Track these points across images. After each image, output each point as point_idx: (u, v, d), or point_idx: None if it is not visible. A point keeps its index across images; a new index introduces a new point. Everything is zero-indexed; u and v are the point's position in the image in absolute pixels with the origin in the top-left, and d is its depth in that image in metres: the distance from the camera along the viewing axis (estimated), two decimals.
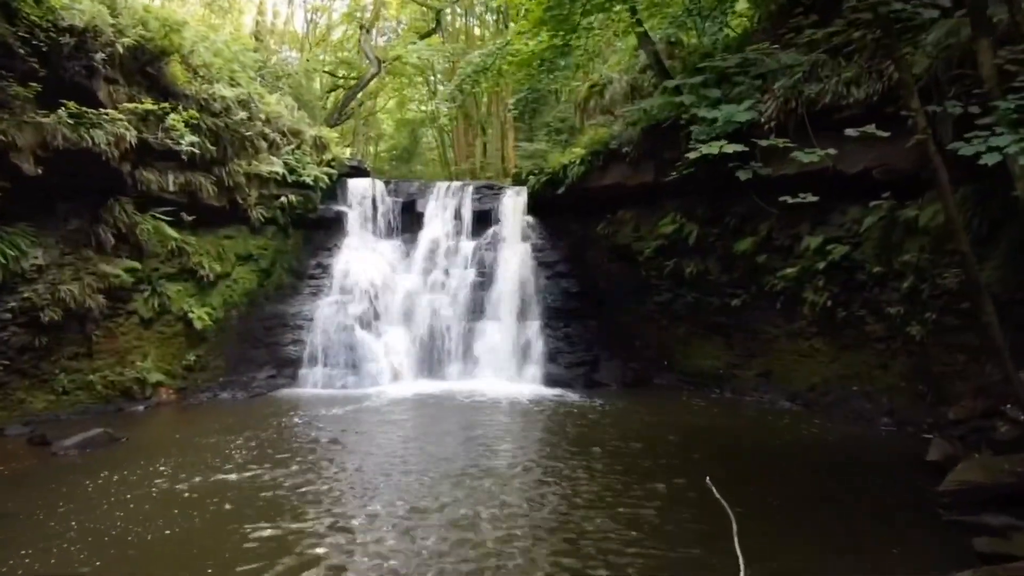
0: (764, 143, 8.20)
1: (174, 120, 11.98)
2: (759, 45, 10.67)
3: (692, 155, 8.86)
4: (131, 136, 11.48)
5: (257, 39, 25.08)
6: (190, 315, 13.87)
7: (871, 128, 7.53)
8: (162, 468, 8.59)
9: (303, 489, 7.75)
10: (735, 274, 14.06)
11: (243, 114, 14.43)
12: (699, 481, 6.98)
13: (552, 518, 6.77)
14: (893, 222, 11.18)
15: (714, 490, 4.55)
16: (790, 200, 8.20)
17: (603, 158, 15.49)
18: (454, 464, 8.76)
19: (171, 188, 13.40)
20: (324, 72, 31.07)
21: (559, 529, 6.47)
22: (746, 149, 8.40)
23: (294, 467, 8.62)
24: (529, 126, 25.69)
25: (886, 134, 7.34)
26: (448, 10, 31.86)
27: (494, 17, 31.67)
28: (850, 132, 7.45)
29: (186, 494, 7.64)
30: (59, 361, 12.04)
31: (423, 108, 38.45)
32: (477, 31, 34.19)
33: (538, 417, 11.97)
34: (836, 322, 12.24)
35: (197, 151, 13.09)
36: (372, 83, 34.42)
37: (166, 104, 11.98)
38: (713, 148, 8.21)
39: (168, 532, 6.47)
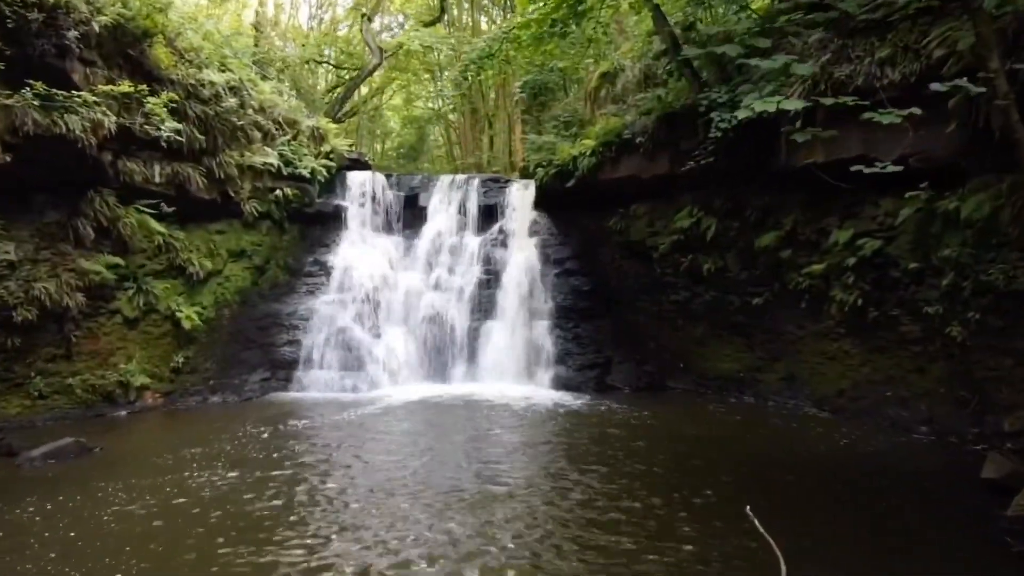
0: (828, 102, 7.32)
1: (153, 104, 11.10)
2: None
3: (741, 114, 8.12)
4: (110, 122, 10.66)
5: (257, 30, 24.34)
6: (178, 314, 13.11)
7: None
8: (129, 487, 7.66)
9: (286, 516, 6.76)
10: (756, 271, 13.25)
11: (234, 101, 13.63)
12: (733, 505, 6.13)
13: (578, 563, 5.70)
14: (931, 214, 10.31)
15: (756, 523, 3.72)
16: (866, 170, 7.28)
17: (615, 149, 14.67)
18: (461, 484, 7.82)
19: (157, 179, 12.63)
20: (327, 64, 30.20)
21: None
22: (809, 104, 7.59)
23: (278, 487, 7.69)
24: (537, 119, 24.89)
25: (980, 89, 6.37)
26: (454, 1, 31.02)
27: (500, 11, 30.92)
28: (936, 87, 6.50)
29: (149, 523, 6.60)
30: (35, 363, 11.27)
31: (430, 105, 37.79)
32: (484, 26, 33.38)
33: (549, 426, 11.12)
34: (867, 322, 11.38)
35: (182, 139, 12.28)
36: (378, 78, 33.78)
37: (144, 86, 11.07)
38: (770, 104, 7.34)
39: None
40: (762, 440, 10.18)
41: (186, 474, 8.20)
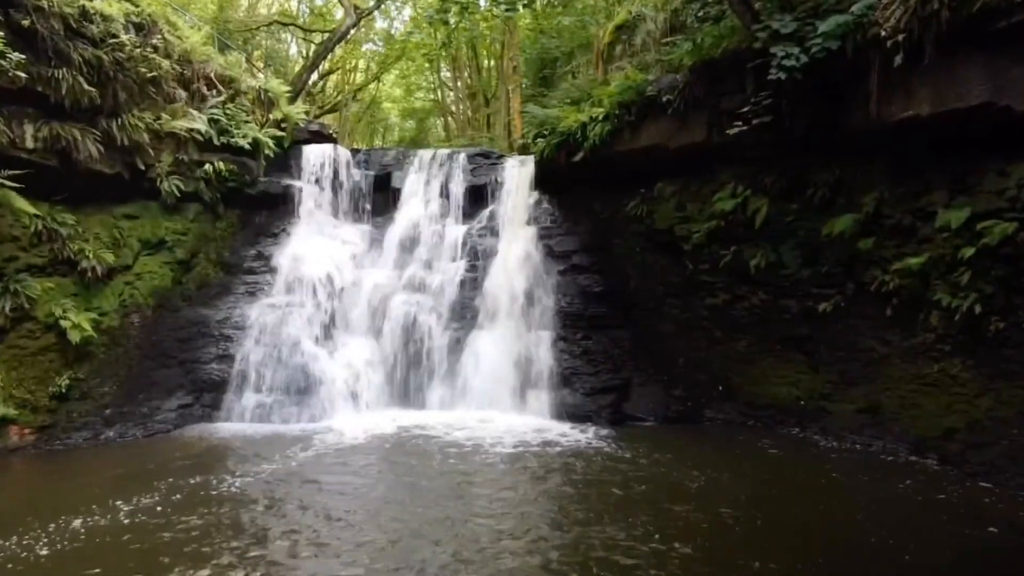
0: None
1: None
2: None
3: (825, 27, 5.02)
4: None
5: None
6: (63, 323, 10.00)
7: None
8: None
9: None
10: (823, 267, 10.26)
11: (133, 39, 10.42)
12: None
13: None
14: None
15: None
16: None
17: (636, 111, 11.62)
18: None
19: (29, 144, 9.57)
20: (294, 27, 26.95)
21: None
22: None
23: None
24: (541, 96, 21.99)
25: None
26: None
27: None
28: None
29: None
30: None
31: (431, 97, 36.04)
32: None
33: (549, 479, 7.95)
34: (987, 336, 8.36)
35: (66, 94, 9.14)
36: (375, 66, 30.96)
37: None
38: None
39: None
40: (861, 512, 6.91)
41: None
